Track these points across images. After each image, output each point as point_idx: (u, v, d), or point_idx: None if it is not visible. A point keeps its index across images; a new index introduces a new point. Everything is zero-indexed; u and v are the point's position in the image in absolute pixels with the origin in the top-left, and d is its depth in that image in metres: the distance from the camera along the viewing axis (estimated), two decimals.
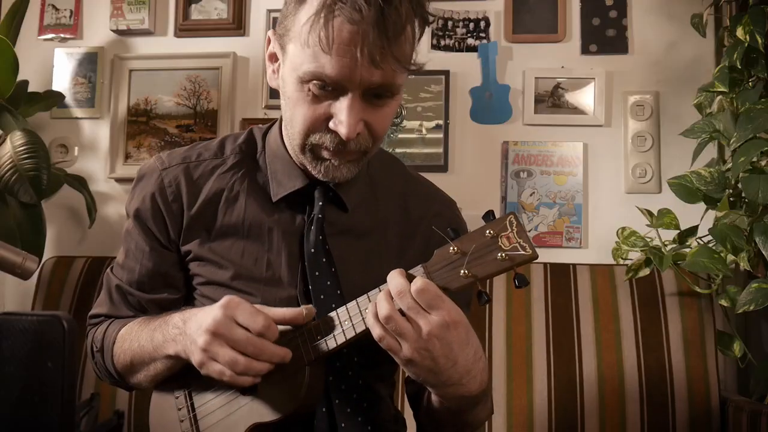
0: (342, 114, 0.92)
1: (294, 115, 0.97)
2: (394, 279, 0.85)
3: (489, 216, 0.87)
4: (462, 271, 0.85)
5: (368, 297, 0.91)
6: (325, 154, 0.97)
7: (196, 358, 0.92)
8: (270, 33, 1.00)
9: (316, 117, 0.94)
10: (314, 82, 0.91)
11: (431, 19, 0.95)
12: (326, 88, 0.91)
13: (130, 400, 1.86)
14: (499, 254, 0.84)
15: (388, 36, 0.87)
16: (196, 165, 1.09)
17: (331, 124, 0.94)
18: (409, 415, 1.19)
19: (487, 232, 0.85)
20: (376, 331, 0.85)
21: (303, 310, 0.92)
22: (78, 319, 1.11)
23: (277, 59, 1.00)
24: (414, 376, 0.89)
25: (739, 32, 1.71)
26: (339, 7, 0.86)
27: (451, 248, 0.87)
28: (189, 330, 0.94)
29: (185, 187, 1.07)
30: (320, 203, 1.04)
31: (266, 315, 0.91)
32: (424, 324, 0.83)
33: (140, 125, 2.30)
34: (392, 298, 0.84)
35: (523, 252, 0.84)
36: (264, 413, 0.95)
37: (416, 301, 0.83)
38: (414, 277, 0.86)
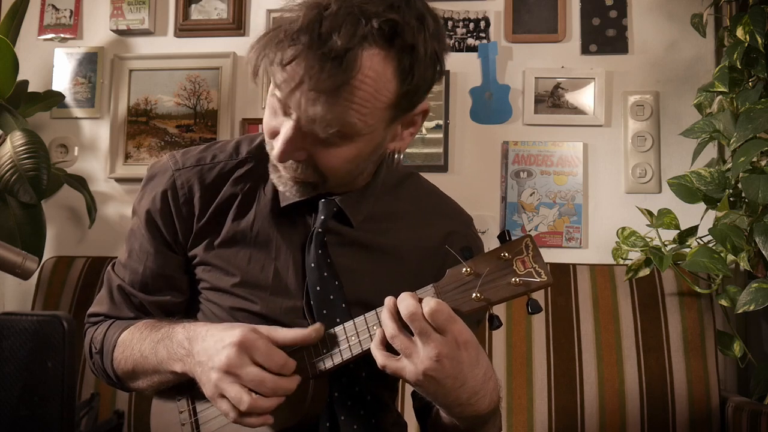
0: (280, 134, 0.90)
1: (264, 117, 0.96)
2: (405, 300, 0.83)
3: (504, 236, 0.84)
4: (474, 294, 0.83)
5: (376, 313, 0.89)
6: (278, 165, 0.96)
7: (206, 391, 0.91)
8: None
9: (270, 128, 0.93)
10: (275, 91, 0.89)
11: (443, 71, 0.92)
12: (282, 105, 0.90)
13: (130, 400, 1.86)
14: (513, 279, 0.82)
15: (309, 90, 0.83)
16: (210, 168, 1.06)
17: (274, 140, 0.92)
18: (408, 416, 1.19)
19: (502, 254, 0.83)
20: (379, 360, 0.84)
21: (312, 332, 0.91)
22: (78, 319, 1.10)
23: None
24: (423, 394, 0.87)
25: (739, 32, 1.71)
26: (275, 43, 0.84)
27: (464, 269, 0.84)
28: (197, 355, 0.92)
29: (198, 191, 1.04)
30: (322, 217, 1.02)
31: (282, 353, 0.89)
32: (435, 346, 0.81)
33: (140, 125, 2.30)
34: (397, 317, 0.83)
35: (538, 279, 0.82)
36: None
37: (429, 323, 0.81)
38: (422, 298, 0.84)
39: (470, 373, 0.84)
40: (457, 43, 2.21)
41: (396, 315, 0.83)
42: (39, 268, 2.01)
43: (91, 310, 1.14)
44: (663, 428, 1.72)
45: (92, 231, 2.23)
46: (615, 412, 1.74)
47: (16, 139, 1.91)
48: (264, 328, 0.92)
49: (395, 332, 0.82)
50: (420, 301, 0.83)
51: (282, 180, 0.97)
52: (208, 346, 0.91)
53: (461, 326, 0.82)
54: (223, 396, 0.89)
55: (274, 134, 0.93)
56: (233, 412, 0.88)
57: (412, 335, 0.83)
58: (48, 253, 2.12)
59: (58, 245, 2.28)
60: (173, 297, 1.08)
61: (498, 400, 0.93)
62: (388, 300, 0.85)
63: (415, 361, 0.82)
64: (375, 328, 0.88)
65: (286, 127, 0.90)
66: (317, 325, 0.92)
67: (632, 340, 1.78)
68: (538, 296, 1.80)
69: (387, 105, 0.89)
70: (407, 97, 0.91)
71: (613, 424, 1.73)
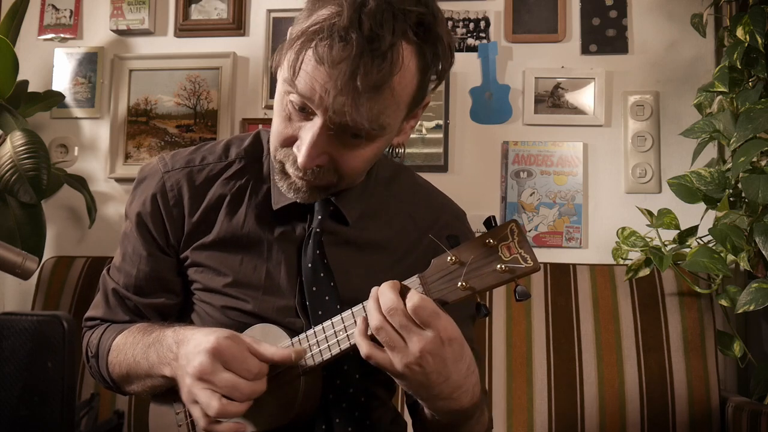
0: (302, 141, 0.89)
1: (273, 125, 0.95)
2: (385, 294, 0.81)
3: (490, 223, 0.82)
4: (460, 283, 0.82)
5: (363, 306, 0.88)
6: (290, 171, 0.94)
7: (183, 396, 0.91)
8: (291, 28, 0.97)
9: (285, 135, 0.92)
10: (291, 96, 0.88)
11: (444, 75, 0.91)
12: (301, 110, 0.88)
13: (130, 400, 1.86)
14: (499, 265, 0.80)
15: (358, 89, 0.81)
16: (200, 169, 1.06)
17: (294, 147, 0.91)
18: (408, 415, 1.19)
19: (487, 241, 0.81)
20: (364, 349, 0.83)
21: (292, 354, 0.90)
22: (78, 319, 1.11)
23: None
24: (405, 388, 0.87)
25: (739, 32, 1.71)
26: (317, 40, 0.82)
27: (449, 258, 0.83)
28: (180, 359, 0.91)
29: (187, 193, 1.04)
30: (319, 216, 1.01)
31: (257, 361, 0.88)
32: (418, 340, 0.80)
33: (140, 125, 2.30)
34: (380, 309, 0.81)
35: (524, 264, 0.80)
36: (260, 423, 0.93)
37: (410, 318, 0.80)
38: (408, 288, 0.83)
39: (454, 368, 0.83)
40: (457, 43, 2.21)
41: (380, 306, 0.82)
42: (39, 268, 2.01)
43: (88, 314, 1.14)
44: (663, 428, 1.72)
45: (92, 231, 2.23)
46: (615, 412, 1.74)
47: (16, 139, 1.91)
48: (247, 338, 0.91)
49: (379, 324, 0.81)
50: (402, 293, 0.81)
51: (294, 186, 0.95)
52: (188, 350, 0.90)
53: (446, 322, 0.81)
54: (195, 402, 0.88)
55: (290, 141, 0.92)
56: (203, 419, 0.88)
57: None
58: (48, 253, 2.12)
59: (58, 245, 2.28)
60: (167, 299, 1.08)
61: (480, 395, 0.92)
62: (374, 290, 0.84)
63: (398, 354, 0.81)
64: (354, 328, 0.87)
65: (311, 131, 0.87)
66: (300, 350, 0.91)
67: (632, 340, 1.78)
68: (538, 291, 1.83)
69: (408, 102, 0.90)
70: (422, 91, 0.91)
71: (613, 425, 1.73)
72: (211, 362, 0.86)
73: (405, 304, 0.81)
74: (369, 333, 0.84)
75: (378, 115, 0.86)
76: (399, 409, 1.20)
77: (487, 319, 1.82)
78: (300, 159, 0.89)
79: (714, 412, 1.72)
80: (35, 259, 0.98)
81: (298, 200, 0.98)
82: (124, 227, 1.10)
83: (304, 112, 0.89)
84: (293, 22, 0.91)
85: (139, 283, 1.07)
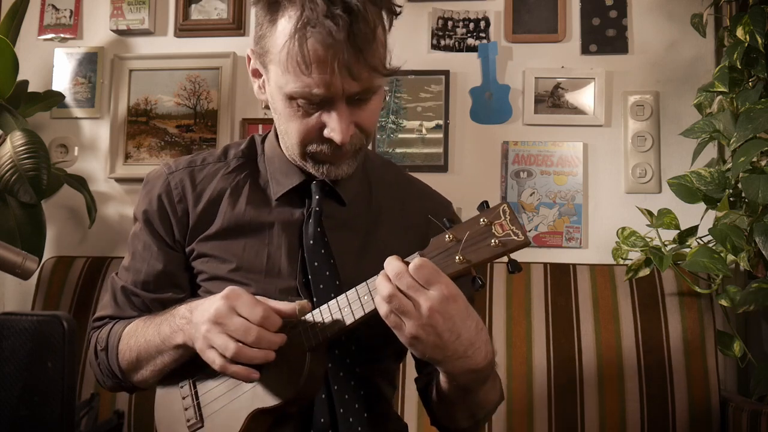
0: (333, 122, 0.98)
1: (288, 129, 1.04)
2: (391, 263, 0.89)
3: (483, 205, 0.91)
4: (457, 258, 0.88)
5: (367, 285, 0.93)
6: (325, 158, 1.04)
7: (197, 345, 0.96)
8: (249, 51, 1.06)
9: (309, 129, 1.01)
10: (301, 99, 0.97)
11: (398, 9, 1.00)
12: (314, 103, 0.98)
13: (130, 400, 1.86)
14: (493, 241, 0.88)
15: (360, 49, 0.93)
16: (201, 168, 1.15)
17: (325, 133, 1.00)
18: (410, 418, 1.19)
19: (481, 220, 0.89)
20: (383, 309, 0.88)
21: (297, 306, 0.95)
22: (78, 319, 1.11)
23: (260, 75, 1.06)
24: (420, 354, 0.91)
25: (739, 32, 1.71)
26: (310, 30, 0.92)
27: (447, 236, 0.90)
28: (195, 319, 0.97)
29: (190, 189, 1.13)
30: (317, 197, 1.09)
31: (266, 306, 0.93)
32: (425, 300, 0.86)
33: (140, 125, 2.30)
34: (390, 280, 0.87)
35: (515, 238, 0.87)
36: (265, 399, 0.97)
37: (414, 279, 0.86)
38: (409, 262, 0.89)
39: (463, 325, 0.89)
40: (457, 43, 2.21)
41: (389, 277, 0.88)
42: (39, 268, 2.01)
43: (96, 315, 1.19)
44: (663, 428, 1.72)
45: (92, 231, 2.23)
46: (615, 412, 1.74)
47: (16, 139, 1.91)
48: (259, 297, 0.96)
49: (391, 291, 0.86)
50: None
51: (332, 168, 1.04)
52: (204, 307, 0.96)
53: (447, 280, 0.87)
54: (210, 346, 0.93)
55: (316, 132, 1.01)
56: (219, 359, 0.92)
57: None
58: (48, 253, 2.12)
59: (58, 245, 2.28)
60: (174, 293, 1.13)
61: (493, 353, 0.97)
62: (382, 271, 0.90)
63: (410, 319, 0.87)
64: (366, 298, 0.93)
65: (337, 111, 0.97)
66: (303, 302, 0.96)
67: (632, 340, 1.78)
68: (538, 291, 1.83)
69: (385, 43, 1.00)
70: (385, 30, 1.00)
71: (613, 425, 1.73)
72: (225, 306, 0.93)
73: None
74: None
75: (382, 62, 0.98)
76: (400, 411, 1.20)
77: (487, 319, 1.83)
78: (338, 138, 0.98)
79: (714, 412, 1.72)
80: (35, 259, 0.98)
81: (344, 174, 1.06)
82: (133, 228, 1.17)
83: (321, 103, 0.97)
84: (256, 39, 1.01)
85: (147, 279, 1.13)
